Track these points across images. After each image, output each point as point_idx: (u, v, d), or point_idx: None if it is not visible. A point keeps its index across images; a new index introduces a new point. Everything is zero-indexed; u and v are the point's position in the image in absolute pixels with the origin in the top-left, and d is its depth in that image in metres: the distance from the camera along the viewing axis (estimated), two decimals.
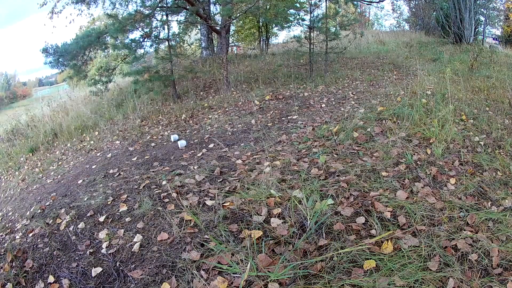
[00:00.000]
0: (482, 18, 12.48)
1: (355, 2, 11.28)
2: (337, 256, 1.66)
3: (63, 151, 5.40)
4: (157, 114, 5.83)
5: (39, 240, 2.24)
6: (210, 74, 8.11)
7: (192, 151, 3.53)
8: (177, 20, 8.96)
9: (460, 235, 1.78)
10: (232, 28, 12.30)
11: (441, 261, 1.61)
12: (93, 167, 3.75)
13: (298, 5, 8.58)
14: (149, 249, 1.92)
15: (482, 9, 12.68)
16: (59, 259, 2.00)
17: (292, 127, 3.87)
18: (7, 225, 2.88)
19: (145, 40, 6.40)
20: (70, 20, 11.39)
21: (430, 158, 2.72)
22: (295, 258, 1.67)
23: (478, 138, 3.13)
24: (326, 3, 7.49)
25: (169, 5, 6.89)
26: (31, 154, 5.93)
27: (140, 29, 6.27)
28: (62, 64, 6.99)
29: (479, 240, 1.73)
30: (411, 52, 10.08)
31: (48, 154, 5.58)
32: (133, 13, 6.11)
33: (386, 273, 1.55)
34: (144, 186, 2.71)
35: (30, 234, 2.38)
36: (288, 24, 9.29)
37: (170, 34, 6.58)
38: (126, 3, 8.47)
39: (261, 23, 12.23)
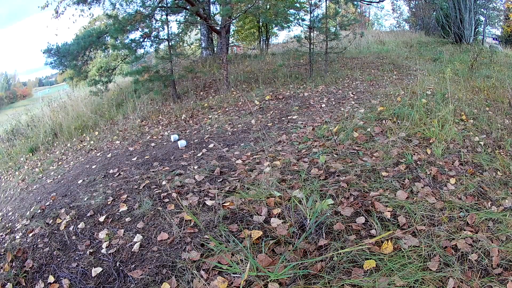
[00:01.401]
0: (482, 18, 12.50)
1: (355, 2, 11.30)
2: (337, 256, 1.66)
3: (63, 151, 5.40)
4: (157, 114, 5.83)
5: (39, 240, 2.24)
6: (210, 74, 8.12)
7: (192, 151, 3.53)
8: (176, 20, 8.97)
9: (460, 235, 1.78)
10: (232, 28, 12.32)
11: (441, 261, 1.61)
12: (93, 167, 3.75)
13: (298, 5, 8.58)
14: (149, 249, 1.92)
15: (482, 9, 12.70)
16: (59, 259, 2.00)
17: (292, 127, 3.87)
18: (7, 225, 2.88)
19: (145, 40, 6.41)
20: (73, 21, 11.47)
21: (430, 158, 2.72)
22: (295, 258, 1.67)
23: (478, 138, 3.13)
24: (326, 3, 7.50)
25: (169, 5, 6.89)
26: (31, 154, 5.94)
27: (140, 29, 6.27)
28: (63, 64, 7.00)
29: (479, 240, 1.73)
30: (411, 52, 10.07)
31: (48, 154, 5.59)
32: (133, 13, 6.11)
33: (386, 273, 1.55)
34: (144, 186, 2.71)
35: (30, 234, 2.38)
36: (288, 24, 9.29)
37: (170, 34, 6.59)
38: (127, 3, 8.48)
39: (261, 23, 12.24)
